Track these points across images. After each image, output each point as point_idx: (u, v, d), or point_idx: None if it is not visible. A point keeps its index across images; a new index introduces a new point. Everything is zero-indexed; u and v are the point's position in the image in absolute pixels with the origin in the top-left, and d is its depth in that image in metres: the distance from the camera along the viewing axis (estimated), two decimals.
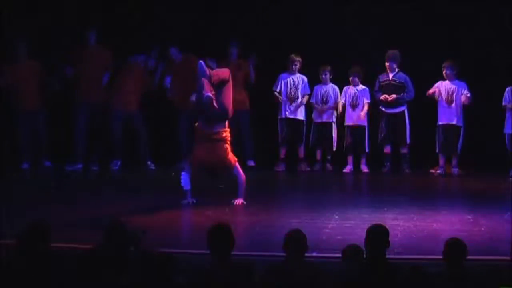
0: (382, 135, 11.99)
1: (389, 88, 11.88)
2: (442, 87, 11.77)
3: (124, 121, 12.10)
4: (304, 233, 5.69)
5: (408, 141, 11.93)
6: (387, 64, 11.86)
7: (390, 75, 11.92)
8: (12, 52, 11.88)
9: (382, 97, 11.87)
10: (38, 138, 12.03)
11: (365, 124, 12.06)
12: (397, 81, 11.89)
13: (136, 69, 12.12)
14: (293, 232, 5.68)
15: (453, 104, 11.73)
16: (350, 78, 12.04)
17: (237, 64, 12.07)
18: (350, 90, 12.08)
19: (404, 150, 11.99)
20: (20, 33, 11.86)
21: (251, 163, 12.17)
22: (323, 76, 12.14)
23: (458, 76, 11.73)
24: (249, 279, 5.43)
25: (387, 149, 12.03)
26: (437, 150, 11.80)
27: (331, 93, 12.15)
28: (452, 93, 11.73)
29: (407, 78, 11.85)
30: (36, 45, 11.95)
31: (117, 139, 12.13)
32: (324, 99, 12.15)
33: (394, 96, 11.82)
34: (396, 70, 11.91)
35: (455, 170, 11.74)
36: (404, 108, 11.94)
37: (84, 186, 10.95)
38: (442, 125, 11.79)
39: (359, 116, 12.02)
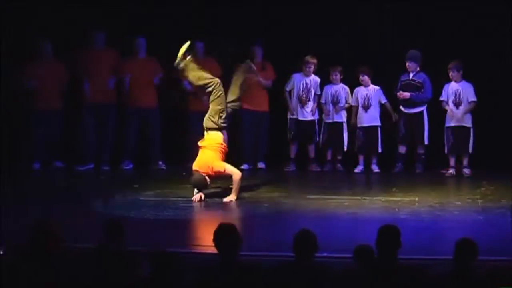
0: (400, 134, 11.95)
1: (408, 87, 11.83)
2: (449, 89, 11.73)
3: (140, 119, 12.07)
4: (314, 233, 5.67)
5: (426, 142, 11.88)
6: (407, 64, 11.80)
7: (411, 75, 11.88)
8: (36, 50, 11.89)
9: (398, 94, 11.83)
10: (53, 138, 12.02)
11: (379, 124, 12.01)
12: (416, 81, 11.84)
13: (151, 63, 12.07)
14: (303, 232, 5.67)
15: (461, 106, 11.69)
16: (360, 78, 11.99)
17: (262, 64, 12.02)
18: (362, 91, 12.04)
19: (421, 151, 11.95)
20: (45, 31, 11.88)
21: (262, 165, 12.15)
22: (334, 76, 12.11)
23: (464, 76, 11.69)
24: (257, 279, 5.42)
25: (402, 149, 11.98)
26: (446, 151, 11.76)
27: (341, 93, 12.11)
28: (459, 95, 11.69)
29: (426, 79, 11.79)
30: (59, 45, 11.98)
31: (131, 139, 12.11)
32: (335, 100, 12.11)
33: (407, 94, 11.78)
34: (417, 70, 11.86)
35: (466, 171, 11.70)
36: (423, 109, 11.87)
37: (94, 186, 10.94)
38: (451, 127, 11.74)
39: (372, 117, 11.97)
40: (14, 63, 11.71)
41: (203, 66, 11.75)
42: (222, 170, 9.60)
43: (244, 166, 11.95)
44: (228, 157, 9.90)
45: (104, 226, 5.88)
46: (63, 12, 12.07)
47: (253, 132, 12.18)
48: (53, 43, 11.92)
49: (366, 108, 11.99)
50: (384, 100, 11.99)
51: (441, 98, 11.78)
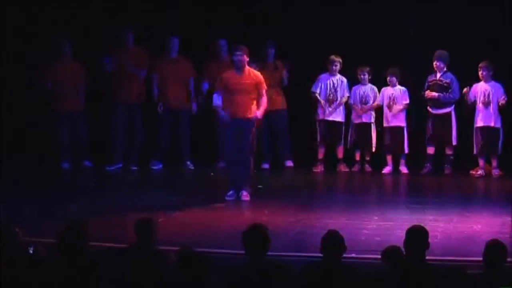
0: (428, 135, 11.88)
1: (435, 88, 11.75)
2: (478, 89, 11.66)
3: (172, 119, 12.08)
4: (343, 234, 5.65)
5: (454, 142, 11.80)
6: (435, 63, 11.73)
7: (438, 75, 11.80)
8: (56, 51, 11.95)
9: (426, 93, 11.76)
10: (78, 138, 12.07)
11: (404, 124, 11.95)
12: (443, 81, 11.76)
13: (183, 63, 12.08)
14: (331, 233, 5.65)
15: (490, 106, 11.61)
16: (388, 79, 11.95)
17: (274, 64, 12.05)
18: (388, 91, 11.98)
19: (449, 151, 11.87)
20: (65, 32, 11.94)
21: (289, 163, 12.14)
22: (362, 76, 12.06)
23: (494, 77, 11.61)
24: (284, 280, 5.41)
25: (430, 150, 11.91)
26: (474, 152, 11.68)
27: (370, 93, 12.06)
28: (488, 95, 11.61)
29: (453, 79, 11.70)
30: (79, 45, 12.00)
31: (163, 139, 12.11)
32: (363, 100, 12.07)
33: (434, 94, 11.71)
34: (444, 70, 11.78)
35: (495, 171, 11.62)
36: (450, 109, 11.79)
37: (122, 186, 10.97)
38: (480, 127, 11.66)
39: (397, 117, 11.91)
40: (35, 64, 11.79)
41: (226, 65, 11.80)
42: (265, 87, 9.84)
43: (265, 166, 11.98)
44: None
45: (135, 226, 5.88)
46: (84, 11, 12.15)
47: (271, 131, 12.17)
48: (72, 43, 11.95)
49: (390, 108, 11.93)
50: (405, 101, 11.90)
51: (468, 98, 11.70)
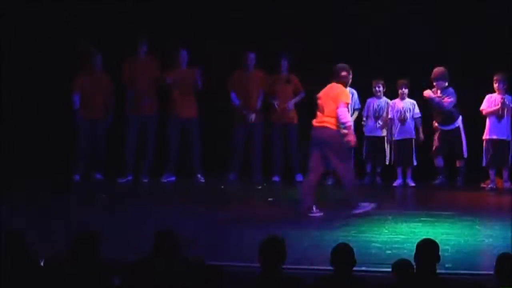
0: (434, 147, 11.86)
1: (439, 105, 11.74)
2: (492, 101, 11.63)
3: (181, 130, 12.07)
4: (353, 247, 5.65)
5: (465, 155, 11.78)
6: (435, 84, 11.68)
7: (439, 92, 11.75)
8: (87, 62, 11.99)
9: (425, 93, 11.63)
10: (97, 148, 12.07)
11: (413, 136, 11.91)
12: (443, 97, 11.72)
13: (192, 73, 12.07)
14: (341, 246, 5.65)
15: (503, 118, 11.59)
16: (400, 91, 11.91)
17: (287, 77, 12.02)
18: (398, 104, 11.94)
19: (460, 164, 11.84)
20: (97, 43, 11.99)
21: (300, 178, 12.11)
22: (376, 88, 12.00)
23: (508, 90, 11.60)
24: None
25: (440, 162, 11.89)
26: (483, 164, 11.66)
27: (384, 107, 12.01)
28: (503, 108, 11.60)
29: (453, 92, 11.64)
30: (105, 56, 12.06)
31: (173, 151, 12.10)
32: (377, 114, 12.02)
33: (430, 93, 11.56)
34: (445, 86, 11.72)
35: (507, 184, 11.59)
36: (458, 124, 11.77)
37: (133, 198, 10.98)
38: (491, 139, 11.64)
39: (407, 130, 11.88)
40: (65, 74, 11.85)
41: (254, 78, 11.74)
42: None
43: (275, 179, 11.97)
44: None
45: (156, 238, 5.86)
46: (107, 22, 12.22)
47: (283, 145, 12.16)
48: (103, 55, 11.99)
49: (403, 121, 11.89)
50: (417, 115, 11.88)
51: (481, 108, 11.68)
